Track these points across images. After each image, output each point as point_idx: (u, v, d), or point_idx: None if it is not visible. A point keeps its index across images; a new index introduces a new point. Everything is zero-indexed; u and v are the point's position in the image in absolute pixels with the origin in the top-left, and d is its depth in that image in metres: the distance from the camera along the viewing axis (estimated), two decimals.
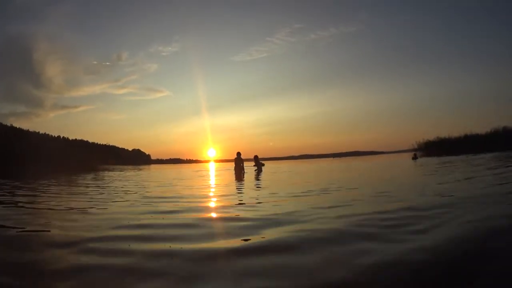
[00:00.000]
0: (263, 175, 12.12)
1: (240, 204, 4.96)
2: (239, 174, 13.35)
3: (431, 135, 38.10)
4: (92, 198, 5.98)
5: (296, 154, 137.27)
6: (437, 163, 15.17)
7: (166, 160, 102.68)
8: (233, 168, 14.33)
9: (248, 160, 14.84)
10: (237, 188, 7.89)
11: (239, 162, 14.21)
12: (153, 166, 53.86)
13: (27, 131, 36.13)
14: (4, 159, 15.65)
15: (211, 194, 6.79)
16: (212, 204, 5.20)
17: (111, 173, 19.14)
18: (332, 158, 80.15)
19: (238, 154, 14.28)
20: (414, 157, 24.03)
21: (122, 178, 13.50)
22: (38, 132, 37.19)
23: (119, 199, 5.88)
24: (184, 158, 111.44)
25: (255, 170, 14.71)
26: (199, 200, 5.62)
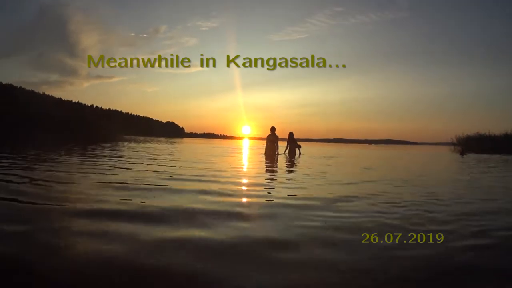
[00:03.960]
0: (300, 160, 10.02)
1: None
2: (272, 155, 11.25)
3: (469, 131, 35.18)
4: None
5: (331, 138, 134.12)
6: (497, 161, 13.04)
7: (200, 134, 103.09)
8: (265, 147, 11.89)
9: (282, 139, 12.23)
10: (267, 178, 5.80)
11: (273, 139, 11.67)
12: (185, 139, 53.79)
13: (59, 99, 36.80)
14: (33, 126, 15.61)
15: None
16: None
17: (137, 145, 18.64)
18: (368, 144, 76.46)
19: (272, 129, 11.64)
20: (462, 153, 21.72)
21: (147, 151, 12.71)
22: (71, 100, 38.05)
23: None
24: (218, 133, 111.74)
25: (286, 153, 12.23)
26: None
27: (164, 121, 77.53)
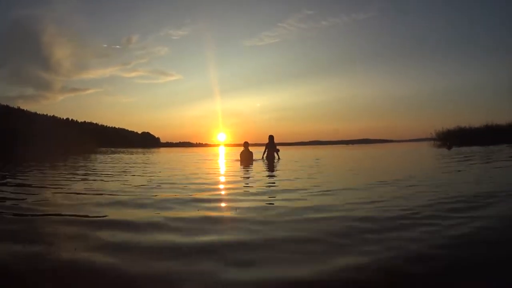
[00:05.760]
0: (279, 165, 9.18)
1: None
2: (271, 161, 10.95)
3: (445, 125, 35.58)
4: None
5: (306, 140, 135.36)
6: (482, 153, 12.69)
7: (176, 143, 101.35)
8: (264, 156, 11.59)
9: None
10: None
11: (271, 145, 11.70)
12: (162, 149, 52.26)
13: (34, 114, 35.19)
14: (7, 141, 15.24)
15: None
16: None
17: (106, 156, 17.46)
18: (346, 145, 77.04)
19: (271, 137, 11.60)
20: (449, 147, 21.84)
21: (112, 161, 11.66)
22: (46, 114, 36.23)
23: None
24: (194, 141, 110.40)
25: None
26: None
27: (139, 131, 75.63)
